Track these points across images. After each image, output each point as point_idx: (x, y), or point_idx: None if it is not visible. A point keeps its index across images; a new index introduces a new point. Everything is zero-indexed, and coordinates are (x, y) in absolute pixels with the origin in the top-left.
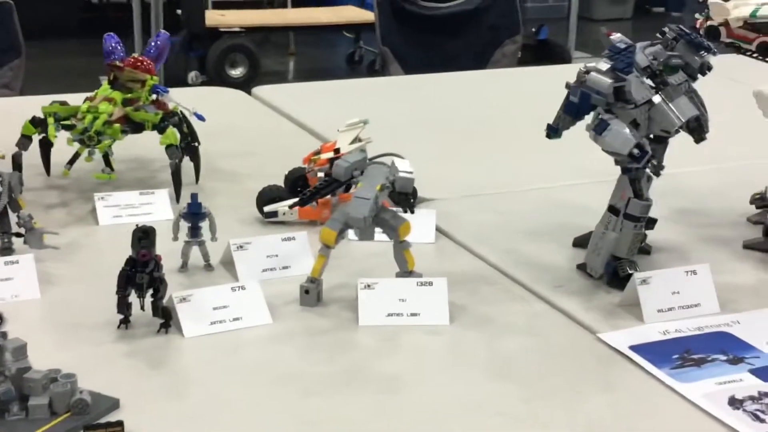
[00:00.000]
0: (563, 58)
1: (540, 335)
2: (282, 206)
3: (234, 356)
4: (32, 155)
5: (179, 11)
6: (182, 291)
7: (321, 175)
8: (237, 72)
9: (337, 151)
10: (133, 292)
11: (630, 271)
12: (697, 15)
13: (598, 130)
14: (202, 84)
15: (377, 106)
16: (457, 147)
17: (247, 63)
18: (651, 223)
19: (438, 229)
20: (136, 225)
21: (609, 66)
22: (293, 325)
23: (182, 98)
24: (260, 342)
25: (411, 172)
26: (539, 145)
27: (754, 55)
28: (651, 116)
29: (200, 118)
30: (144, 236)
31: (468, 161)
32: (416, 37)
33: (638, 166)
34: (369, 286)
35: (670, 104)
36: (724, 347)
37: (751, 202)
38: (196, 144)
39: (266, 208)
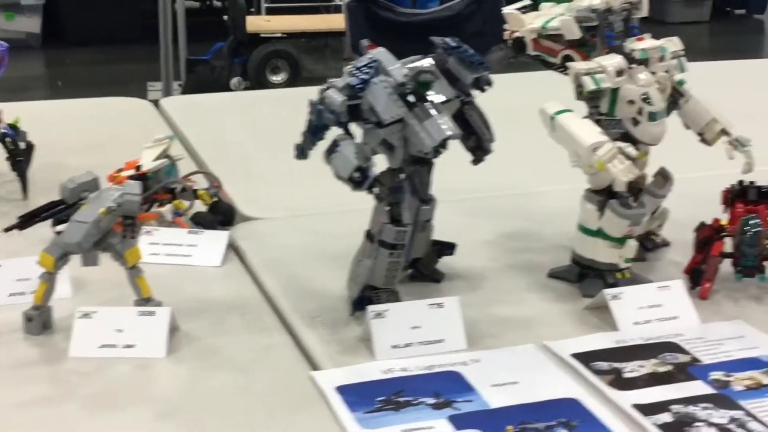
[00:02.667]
0: None
1: (255, 371)
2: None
3: None
4: None
5: (225, 17)
6: None
7: None
8: (278, 78)
9: (138, 168)
10: None
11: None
12: (505, 26)
13: (329, 152)
14: (246, 89)
15: (278, 117)
16: None
17: (288, 68)
18: (449, 248)
19: (237, 252)
20: None
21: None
22: None
23: (86, 108)
24: None
25: (137, 194)
26: None
27: (560, 69)
28: (406, 136)
29: (7, 135)
30: None
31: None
32: (392, 46)
33: (360, 191)
34: (87, 314)
35: (424, 123)
36: (442, 389)
37: None
38: (21, 160)
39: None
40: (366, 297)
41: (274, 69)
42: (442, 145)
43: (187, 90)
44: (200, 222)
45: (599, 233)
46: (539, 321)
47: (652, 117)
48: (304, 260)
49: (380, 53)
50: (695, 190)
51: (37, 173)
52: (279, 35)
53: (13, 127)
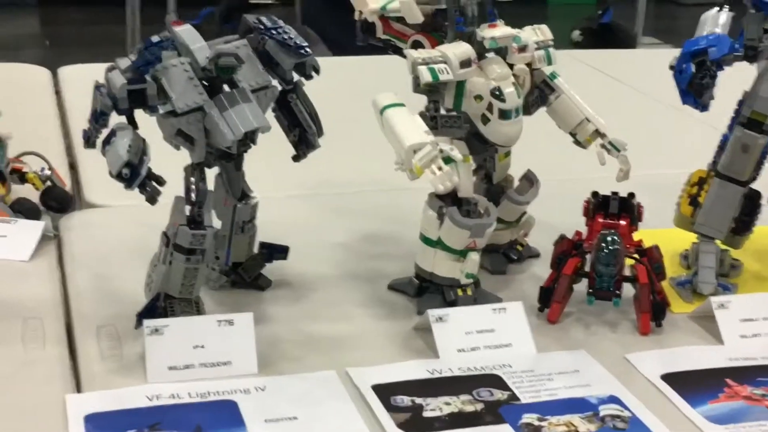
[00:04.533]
0: (627, 44)
1: (4, 390)
2: None
3: None
4: None
5: None
6: None
7: None
8: None
9: None
10: None
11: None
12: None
13: (104, 143)
14: None
15: None
16: None
17: None
18: (281, 251)
19: (61, 244)
20: None
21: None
22: None
23: None
24: None
25: None
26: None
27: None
28: (207, 128)
29: None
30: None
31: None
32: (347, 19)
33: (130, 190)
34: None
35: (226, 113)
36: (207, 422)
37: None
38: None
39: None
40: (158, 307)
41: None
42: (251, 138)
43: None
44: (20, 210)
45: (439, 243)
46: (356, 342)
47: (505, 115)
48: (127, 257)
49: (185, 31)
50: (579, 194)
51: None
52: (271, 1)
53: None
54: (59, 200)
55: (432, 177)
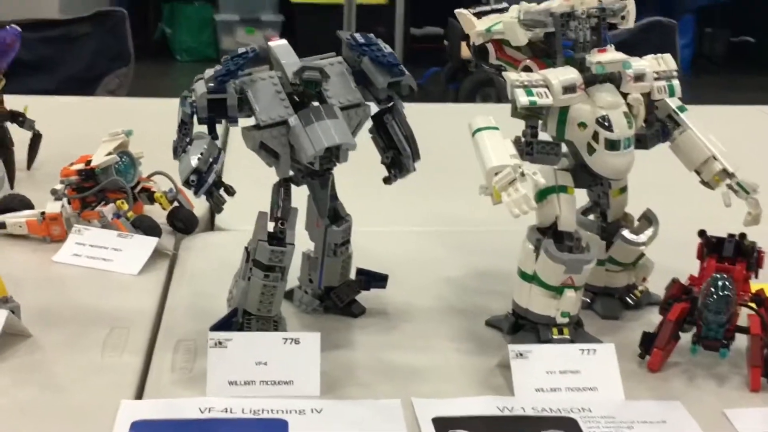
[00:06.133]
0: None
1: (69, 392)
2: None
3: None
4: None
5: (446, 42)
6: None
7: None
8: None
9: (88, 162)
10: None
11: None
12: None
13: (182, 150)
14: None
15: None
16: None
17: (497, 98)
18: (380, 280)
19: (175, 261)
20: None
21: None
22: None
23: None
24: None
25: None
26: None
27: None
28: (291, 142)
29: None
30: None
31: None
32: None
33: (197, 197)
34: None
35: (309, 128)
36: None
37: None
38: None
39: None
40: (233, 322)
41: (485, 97)
42: (336, 155)
43: None
44: (140, 226)
45: (535, 278)
46: (433, 374)
47: (613, 145)
48: (230, 277)
49: (279, 46)
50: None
51: (46, 164)
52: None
53: (20, 115)
54: (185, 221)
55: (507, 200)
